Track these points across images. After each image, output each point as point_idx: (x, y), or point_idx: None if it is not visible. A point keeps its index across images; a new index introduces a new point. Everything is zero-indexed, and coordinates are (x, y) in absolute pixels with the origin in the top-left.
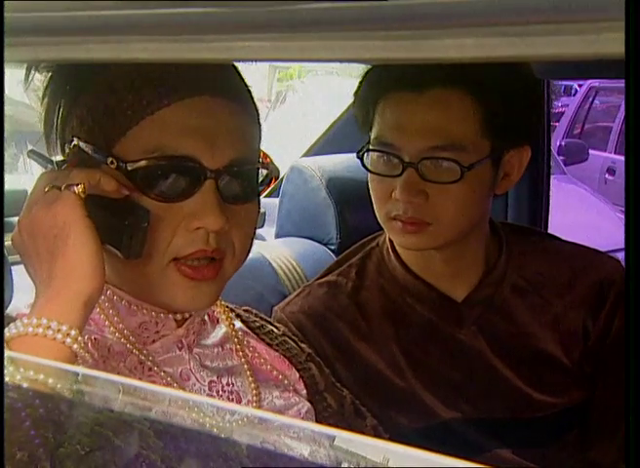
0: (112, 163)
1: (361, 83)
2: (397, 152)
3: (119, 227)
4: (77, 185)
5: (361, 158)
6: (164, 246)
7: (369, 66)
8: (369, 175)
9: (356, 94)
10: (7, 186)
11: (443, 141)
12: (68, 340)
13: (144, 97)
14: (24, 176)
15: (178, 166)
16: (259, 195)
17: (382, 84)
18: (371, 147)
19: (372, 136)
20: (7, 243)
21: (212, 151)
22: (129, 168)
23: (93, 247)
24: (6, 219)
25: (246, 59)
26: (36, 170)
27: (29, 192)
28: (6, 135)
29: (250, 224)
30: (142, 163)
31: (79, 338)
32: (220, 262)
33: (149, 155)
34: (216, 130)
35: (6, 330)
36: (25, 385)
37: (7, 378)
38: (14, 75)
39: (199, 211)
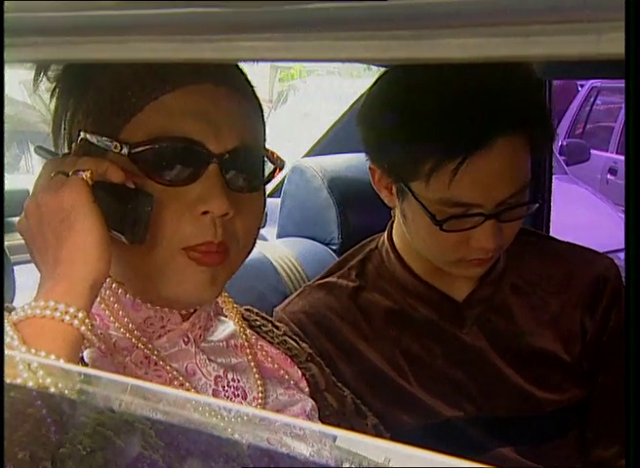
0: (116, 147)
1: (400, 135)
2: (477, 209)
3: (123, 212)
4: (85, 171)
5: (441, 225)
6: (170, 233)
7: (368, 68)
8: (436, 230)
9: (391, 145)
10: (8, 186)
11: (519, 187)
12: (76, 322)
13: (148, 84)
14: (26, 176)
15: (182, 149)
16: (264, 185)
17: (447, 146)
18: (454, 214)
19: (435, 197)
20: (8, 243)
21: (215, 136)
22: (133, 151)
23: (99, 231)
24: (6, 219)
25: (247, 59)
26: (37, 170)
27: (35, 179)
28: (7, 135)
29: (255, 215)
30: (146, 146)
31: (86, 321)
32: (227, 251)
33: (153, 138)
34: (219, 115)
35: (13, 313)
36: (30, 384)
37: (19, 378)
38: (14, 75)
39: (204, 195)
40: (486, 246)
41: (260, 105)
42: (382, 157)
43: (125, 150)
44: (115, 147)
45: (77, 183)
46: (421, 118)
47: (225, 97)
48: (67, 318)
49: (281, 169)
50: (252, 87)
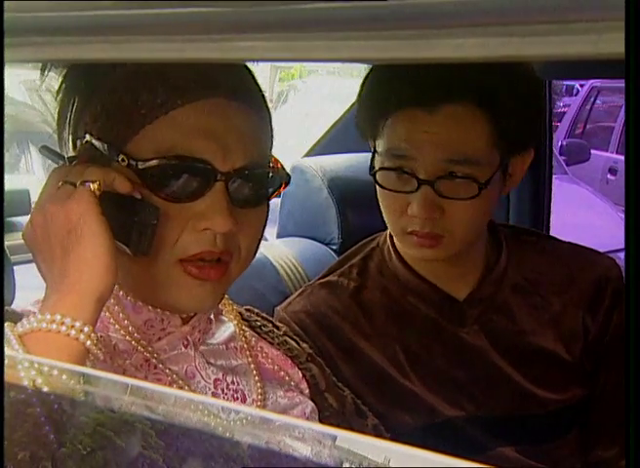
0: (123, 160)
1: (364, 96)
2: (411, 169)
3: (128, 224)
4: (93, 182)
5: (374, 175)
6: (170, 244)
7: (368, 67)
8: (378, 189)
9: (360, 106)
10: (8, 186)
11: (458, 156)
12: (82, 337)
13: (159, 96)
14: (26, 176)
15: (189, 167)
16: (268, 199)
17: (392, 101)
18: (385, 165)
19: (381, 150)
20: (9, 243)
21: (224, 154)
22: (140, 166)
23: (106, 244)
24: (6, 219)
25: (248, 59)
26: (37, 170)
27: (42, 188)
28: (7, 135)
29: (258, 228)
30: (154, 162)
31: (92, 335)
32: (227, 264)
33: (161, 155)
34: (229, 133)
35: (18, 324)
36: (34, 385)
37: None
38: (14, 75)
39: (208, 212)
40: (417, 213)
41: (269, 115)
42: (357, 119)
43: (132, 164)
44: (122, 160)
45: (85, 195)
46: (378, 78)
47: (237, 112)
48: (73, 332)
49: (287, 184)
50: (263, 97)
